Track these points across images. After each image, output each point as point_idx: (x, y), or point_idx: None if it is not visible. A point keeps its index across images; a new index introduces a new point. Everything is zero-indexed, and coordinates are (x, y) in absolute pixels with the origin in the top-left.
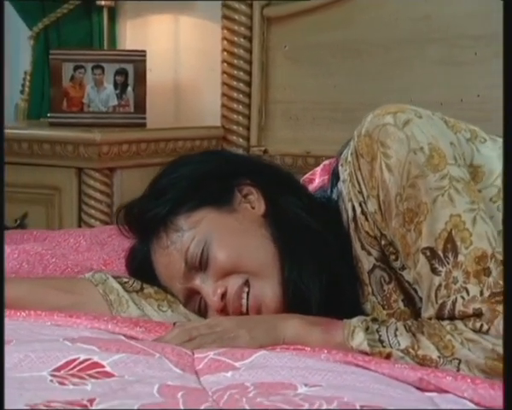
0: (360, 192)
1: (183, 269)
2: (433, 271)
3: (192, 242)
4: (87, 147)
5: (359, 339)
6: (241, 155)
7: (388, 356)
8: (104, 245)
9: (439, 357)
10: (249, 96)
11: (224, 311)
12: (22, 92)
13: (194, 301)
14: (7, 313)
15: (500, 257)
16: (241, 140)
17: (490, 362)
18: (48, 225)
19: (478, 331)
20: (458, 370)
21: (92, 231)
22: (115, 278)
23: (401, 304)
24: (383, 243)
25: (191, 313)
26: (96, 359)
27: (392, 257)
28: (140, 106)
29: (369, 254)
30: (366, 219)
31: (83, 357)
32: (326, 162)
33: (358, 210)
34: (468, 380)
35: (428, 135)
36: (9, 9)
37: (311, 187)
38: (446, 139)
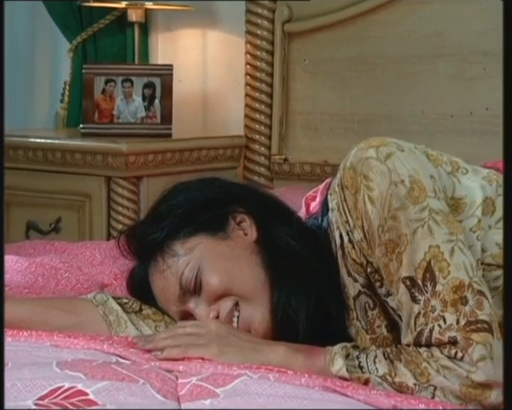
0: (347, 222)
1: (177, 292)
2: (413, 299)
3: (186, 267)
4: (115, 157)
5: (339, 365)
6: (235, 184)
7: (367, 382)
8: (117, 259)
9: (414, 384)
10: (271, 107)
11: None
12: (62, 101)
13: None
14: (10, 332)
15: (477, 286)
16: (262, 149)
17: (464, 388)
18: (79, 229)
19: (453, 358)
20: (433, 396)
21: (108, 244)
22: (115, 298)
23: (384, 330)
24: (369, 270)
25: None
26: (80, 387)
27: (378, 284)
28: (166, 117)
29: (356, 280)
30: (353, 247)
31: (67, 385)
32: (328, 180)
33: (346, 238)
34: (440, 407)
35: (409, 168)
36: (51, 24)
37: (313, 204)
38: (427, 172)
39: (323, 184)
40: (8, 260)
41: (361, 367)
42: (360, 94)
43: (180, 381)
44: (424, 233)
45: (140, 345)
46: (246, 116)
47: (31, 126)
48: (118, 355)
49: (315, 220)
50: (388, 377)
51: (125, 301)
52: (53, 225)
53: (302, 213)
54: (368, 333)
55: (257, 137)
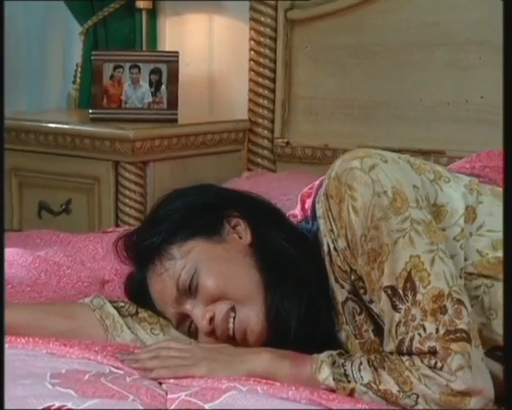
0: (332, 230)
1: (175, 294)
2: (394, 308)
3: (183, 269)
4: (122, 143)
5: (325, 374)
6: (230, 190)
7: (352, 392)
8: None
9: (398, 391)
10: (274, 91)
11: (212, 334)
12: (74, 82)
13: (185, 325)
14: (8, 339)
15: (456, 295)
16: (265, 132)
17: (444, 397)
18: (89, 211)
19: (433, 368)
20: (416, 404)
21: (110, 237)
22: (112, 302)
23: (371, 334)
24: (353, 277)
25: (182, 336)
26: (70, 405)
27: (362, 291)
28: (172, 103)
29: (342, 287)
30: (338, 254)
31: (57, 404)
32: (323, 178)
33: (332, 246)
34: None
35: (393, 179)
36: (64, 7)
37: (308, 201)
38: (410, 182)
39: (318, 181)
40: (14, 253)
41: (346, 375)
42: (360, 81)
43: (170, 396)
44: (405, 243)
45: (126, 363)
46: (250, 100)
47: (45, 106)
48: (111, 366)
49: (306, 224)
50: (373, 385)
51: (122, 304)
52: (63, 207)
53: (298, 209)
54: (357, 338)
55: (260, 121)
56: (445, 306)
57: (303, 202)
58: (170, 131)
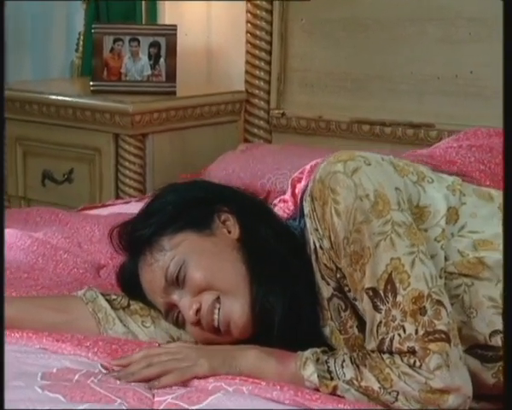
0: (317, 230)
1: (163, 285)
2: (375, 308)
3: (172, 261)
4: (122, 117)
5: (310, 371)
6: (221, 185)
7: (335, 389)
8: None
9: (379, 388)
10: (270, 63)
11: (198, 324)
12: (77, 50)
13: (173, 314)
14: None
15: (436, 296)
16: (262, 103)
17: (423, 394)
18: (90, 180)
19: (412, 366)
20: (396, 400)
21: (106, 219)
22: (104, 295)
23: (356, 330)
24: (338, 275)
25: (172, 328)
26: None
27: (346, 288)
28: (171, 76)
29: (328, 284)
30: (324, 253)
31: None
32: (313, 163)
33: (317, 244)
34: None
35: (375, 182)
36: None
37: (299, 187)
38: (392, 185)
39: (309, 166)
40: (13, 235)
41: (330, 372)
42: (353, 54)
43: (156, 399)
44: (386, 246)
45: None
46: (246, 72)
47: (50, 74)
48: (101, 364)
49: (294, 222)
50: (355, 382)
51: (114, 297)
52: (66, 176)
53: (288, 195)
54: (341, 333)
55: (257, 92)
56: (424, 307)
57: (293, 187)
58: (168, 104)
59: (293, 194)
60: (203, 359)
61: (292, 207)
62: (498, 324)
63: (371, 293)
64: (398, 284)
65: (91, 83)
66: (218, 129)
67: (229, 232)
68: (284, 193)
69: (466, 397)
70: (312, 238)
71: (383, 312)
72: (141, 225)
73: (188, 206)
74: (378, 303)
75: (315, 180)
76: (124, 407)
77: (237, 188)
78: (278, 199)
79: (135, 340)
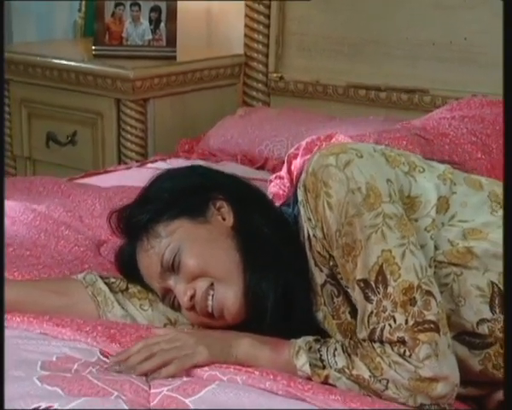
0: (310, 219)
1: (159, 270)
2: (367, 299)
3: (167, 248)
4: (123, 82)
5: (302, 361)
6: (217, 172)
7: (327, 378)
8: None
9: (370, 377)
10: (268, 27)
11: (193, 309)
12: (80, 10)
13: (169, 298)
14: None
15: (426, 287)
16: (260, 66)
17: (413, 382)
18: (93, 144)
19: (402, 356)
20: (387, 388)
21: (107, 192)
22: (103, 278)
23: (348, 316)
24: (331, 263)
25: (169, 311)
26: (56, 406)
27: (339, 276)
28: (171, 40)
29: (321, 270)
30: (317, 241)
31: (44, 405)
32: (308, 140)
33: (311, 232)
34: None
35: (367, 174)
36: None
37: (295, 164)
38: (384, 177)
39: (304, 143)
40: (16, 208)
41: (322, 360)
42: (350, 18)
43: (152, 391)
44: (377, 238)
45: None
46: (245, 36)
47: (53, 34)
48: (100, 350)
49: (288, 208)
50: (346, 370)
51: (113, 280)
52: (69, 138)
53: (284, 171)
54: (334, 318)
55: (255, 55)
56: (414, 298)
57: (289, 163)
58: (168, 69)
59: (289, 171)
60: (202, 346)
61: (288, 185)
62: (486, 312)
63: (362, 284)
64: (388, 276)
65: (93, 47)
66: (217, 92)
67: (224, 219)
68: (282, 161)
69: (454, 385)
70: (306, 226)
71: (374, 302)
72: (138, 210)
73: (183, 193)
74: (369, 294)
75: (308, 172)
76: (120, 400)
77: (233, 174)
78: (274, 175)
79: (133, 324)
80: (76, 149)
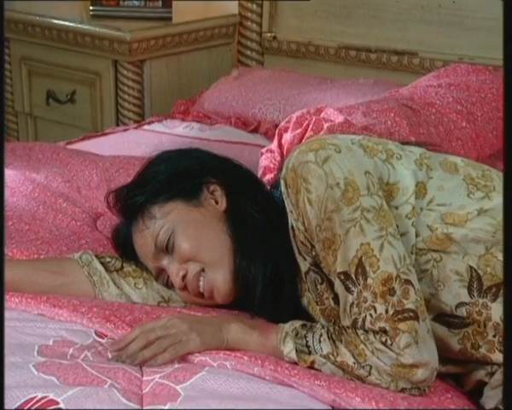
0: (292, 212)
1: (153, 251)
2: (348, 290)
3: (161, 229)
4: (120, 44)
5: (289, 347)
6: (212, 155)
7: (312, 363)
8: (111, 182)
9: (354, 363)
10: None
11: (185, 289)
12: None
13: (163, 277)
14: None
15: (404, 276)
16: (254, 26)
17: (394, 368)
18: (92, 103)
19: (384, 344)
20: (370, 374)
21: (104, 163)
22: (99, 258)
23: (331, 301)
24: (314, 253)
25: (163, 289)
26: (51, 396)
27: (322, 265)
28: (167, 1)
29: (305, 259)
30: (300, 232)
31: (40, 395)
32: (299, 114)
33: (294, 224)
34: (373, 403)
35: (345, 169)
36: None
37: (285, 137)
38: (362, 169)
39: (295, 117)
40: (16, 179)
41: (308, 346)
42: None
43: (145, 378)
44: (356, 232)
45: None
46: None
47: None
48: (95, 331)
49: (277, 191)
50: (331, 357)
51: (108, 259)
52: (69, 97)
53: (275, 145)
54: (318, 304)
55: (249, 15)
56: (393, 288)
57: (280, 136)
58: (164, 31)
59: (280, 144)
60: (194, 333)
61: (278, 158)
62: (464, 296)
63: (343, 277)
64: (368, 268)
65: (91, 7)
66: (212, 52)
67: (217, 203)
68: (274, 125)
69: (433, 369)
70: (289, 217)
71: (355, 293)
72: (134, 192)
73: (179, 176)
74: (350, 286)
75: (288, 168)
76: (114, 389)
77: (227, 158)
78: (266, 149)
79: (127, 304)
80: (75, 107)
